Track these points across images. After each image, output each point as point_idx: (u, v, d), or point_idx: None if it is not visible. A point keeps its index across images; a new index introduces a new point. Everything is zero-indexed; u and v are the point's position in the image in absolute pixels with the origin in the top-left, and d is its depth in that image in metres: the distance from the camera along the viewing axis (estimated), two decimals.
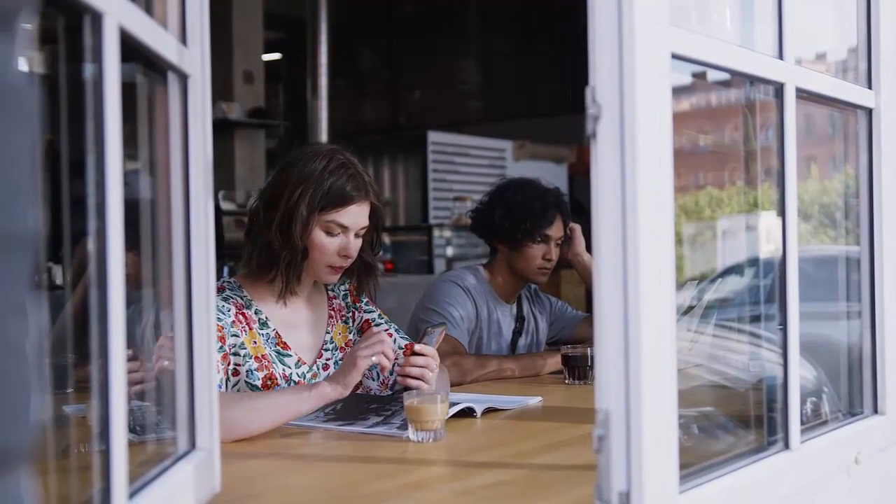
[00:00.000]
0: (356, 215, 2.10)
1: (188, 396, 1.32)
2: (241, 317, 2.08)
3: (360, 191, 2.10)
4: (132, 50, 1.07)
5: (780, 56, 1.45)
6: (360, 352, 1.92)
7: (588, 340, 2.87)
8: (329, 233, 2.09)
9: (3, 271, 0.51)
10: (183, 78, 1.30)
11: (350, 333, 2.28)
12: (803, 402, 1.54)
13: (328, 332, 2.24)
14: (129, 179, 1.05)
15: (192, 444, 1.32)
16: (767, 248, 1.84)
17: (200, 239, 1.32)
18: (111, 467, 0.97)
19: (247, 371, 2.04)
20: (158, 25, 1.18)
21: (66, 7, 0.94)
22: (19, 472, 0.53)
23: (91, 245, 0.98)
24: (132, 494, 1.05)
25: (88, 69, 0.98)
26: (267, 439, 1.84)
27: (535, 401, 2.27)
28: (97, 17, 0.96)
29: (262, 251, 2.10)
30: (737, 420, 1.66)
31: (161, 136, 1.30)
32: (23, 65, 0.54)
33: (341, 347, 2.25)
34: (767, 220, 1.81)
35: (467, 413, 2.03)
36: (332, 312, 2.27)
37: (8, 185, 0.50)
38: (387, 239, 7.41)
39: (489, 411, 2.09)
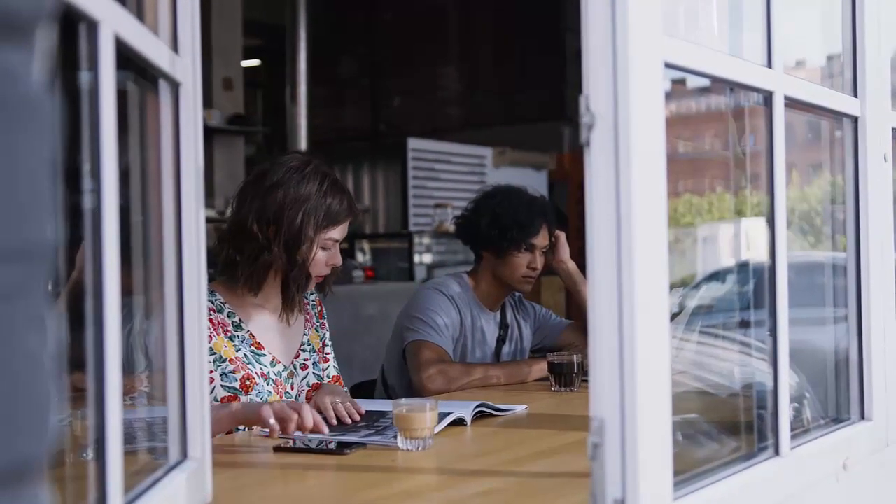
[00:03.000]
0: (346, 228, 2.24)
1: (180, 406, 1.31)
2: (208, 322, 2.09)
3: (352, 207, 2.23)
4: (124, 58, 1.07)
5: (769, 64, 1.46)
6: (266, 408, 1.84)
7: (572, 347, 2.88)
8: (324, 248, 2.20)
9: (23, 283, 0.50)
10: (175, 86, 1.29)
11: (319, 341, 2.38)
12: None
13: (305, 334, 2.32)
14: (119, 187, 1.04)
15: (184, 455, 1.31)
16: (749, 255, 1.85)
17: (192, 247, 1.32)
18: (106, 477, 0.97)
19: (222, 374, 2.10)
20: (152, 34, 1.18)
21: (61, 15, 0.93)
22: (41, 482, 0.53)
23: (86, 253, 0.97)
24: None
25: (84, 76, 0.97)
26: (258, 450, 1.82)
27: (521, 409, 2.27)
28: (93, 25, 0.96)
29: (262, 268, 2.14)
30: (725, 427, 1.66)
31: (152, 144, 1.29)
32: (40, 75, 0.53)
33: (317, 350, 2.34)
34: (748, 227, 1.82)
35: (457, 421, 2.03)
36: (308, 316, 2.36)
37: (27, 197, 0.50)
38: (367, 246, 7.38)
39: (479, 417, 2.09)
